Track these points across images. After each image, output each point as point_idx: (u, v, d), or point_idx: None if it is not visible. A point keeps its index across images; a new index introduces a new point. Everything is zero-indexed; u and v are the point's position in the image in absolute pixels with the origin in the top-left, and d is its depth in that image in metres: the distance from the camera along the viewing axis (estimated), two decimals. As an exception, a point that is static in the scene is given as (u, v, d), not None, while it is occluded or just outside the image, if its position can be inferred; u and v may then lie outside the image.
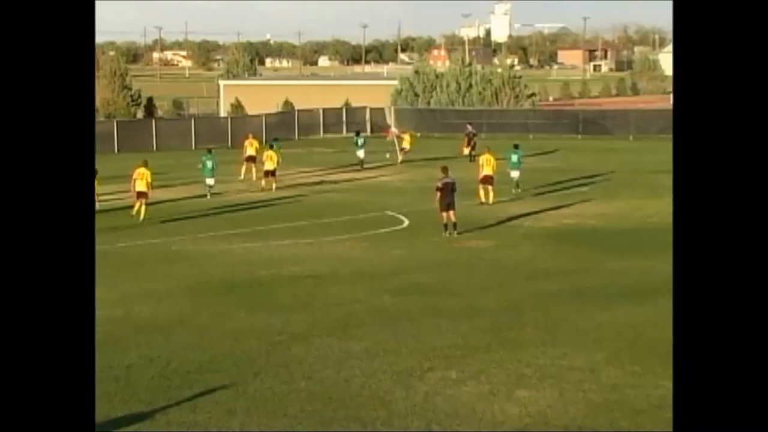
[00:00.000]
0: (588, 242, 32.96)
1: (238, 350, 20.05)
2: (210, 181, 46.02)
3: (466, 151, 60.28)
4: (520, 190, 45.42)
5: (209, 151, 47.58)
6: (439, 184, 33.97)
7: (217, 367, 18.78)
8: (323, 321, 22.48)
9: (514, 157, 45.94)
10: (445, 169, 34.89)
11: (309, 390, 17.32)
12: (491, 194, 40.89)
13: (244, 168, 51.73)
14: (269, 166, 47.20)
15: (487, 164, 40.99)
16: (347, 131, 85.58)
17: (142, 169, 38.69)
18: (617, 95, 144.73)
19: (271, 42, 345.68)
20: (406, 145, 61.34)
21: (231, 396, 16.98)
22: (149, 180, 38.55)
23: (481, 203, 40.44)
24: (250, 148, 52.64)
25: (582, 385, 17.43)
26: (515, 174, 45.83)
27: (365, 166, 57.70)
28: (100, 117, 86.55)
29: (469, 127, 64.81)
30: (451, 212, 34.03)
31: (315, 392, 17.18)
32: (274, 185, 47.18)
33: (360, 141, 58.76)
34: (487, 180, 40.88)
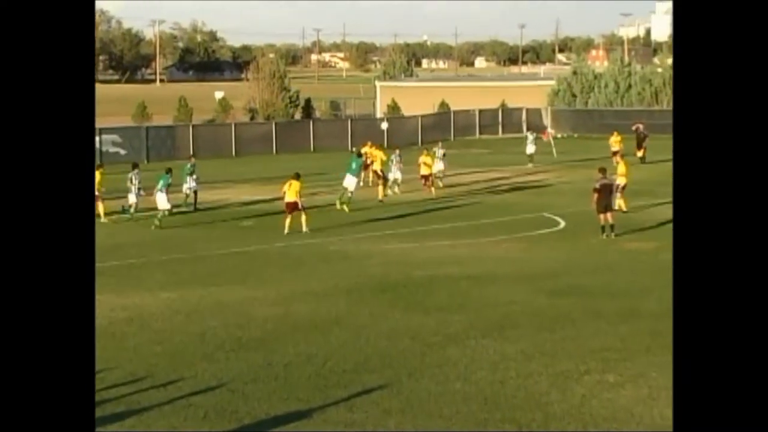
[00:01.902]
0: (751, 245, 32.28)
1: (393, 350, 20.15)
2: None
3: (640, 153, 58.39)
4: None
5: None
6: (597, 185, 33.66)
7: (373, 367, 18.90)
8: (479, 322, 22.45)
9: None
10: (602, 170, 34.55)
11: (464, 391, 17.32)
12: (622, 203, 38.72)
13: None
14: (425, 171, 46.88)
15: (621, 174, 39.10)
16: (503, 132, 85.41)
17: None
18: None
19: (428, 43, 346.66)
20: (616, 146, 57.83)
21: (387, 396, 17.07)
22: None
23: (624, 212, 38.32)
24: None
25: (745, 391, 17.06)
26: None
27: (534, 163, 57.81)
28: (259, 118, 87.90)
29: (641, 127, 62.05)
30: (609, 214, 33.67)
31: (470, 393, 17.17)
32: (432, 189, 46.79)
33: (531, 137, 59.78)
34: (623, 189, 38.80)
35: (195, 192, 43.07)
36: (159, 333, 21.93)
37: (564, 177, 53.40)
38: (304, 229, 35.10)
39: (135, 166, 41.71)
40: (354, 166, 42.92)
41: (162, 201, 38.02)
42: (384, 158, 42.36)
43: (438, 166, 48.42)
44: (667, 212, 38.59)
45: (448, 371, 18.54)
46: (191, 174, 42.99)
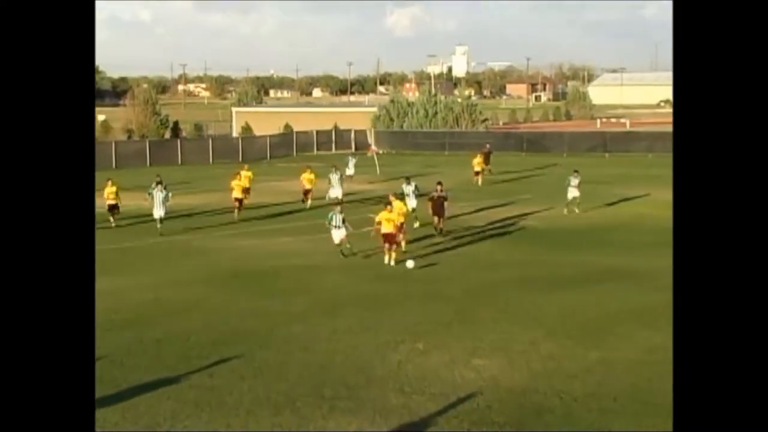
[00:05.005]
0: (531, 240, 32.97)
1: (246, 327, 20.00)
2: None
3: (478, 168, 54.16)
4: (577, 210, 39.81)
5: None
6: (435, 195, 33.45)
7: (229, 341, 18.72)
8: (316, 303, 22.42)
9: (575, 181, 40.17)
10: (440, 183, 34.39)
11: (304, 359, 17.29)
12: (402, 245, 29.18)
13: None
14: (308, 186, 44.10)
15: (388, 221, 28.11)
16: (336, 149, 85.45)
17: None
18: (554, 120, 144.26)
19: (274, 76, 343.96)
20: (478, 167, 53.41)
21: (241, 364, 16.94)
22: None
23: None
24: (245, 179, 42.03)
25: (525, 355, 17.44)
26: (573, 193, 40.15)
27: (353, 179, 56.68)
28: (135, 137, 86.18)
29: (488, 146, 60.26)
30: (440, 219, 33.41)
31: (309, 361, 17.15)
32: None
33: (352, 160, 56.95)
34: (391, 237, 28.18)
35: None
36: (49, 316, 21.29)
37: (385, 186, 53.53)
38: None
39: (159, 182, 36.76)
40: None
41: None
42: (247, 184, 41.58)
43: (335, 191, 43.92)
44: (465, 212, 39.05)
45: (291, 344, 18.49)
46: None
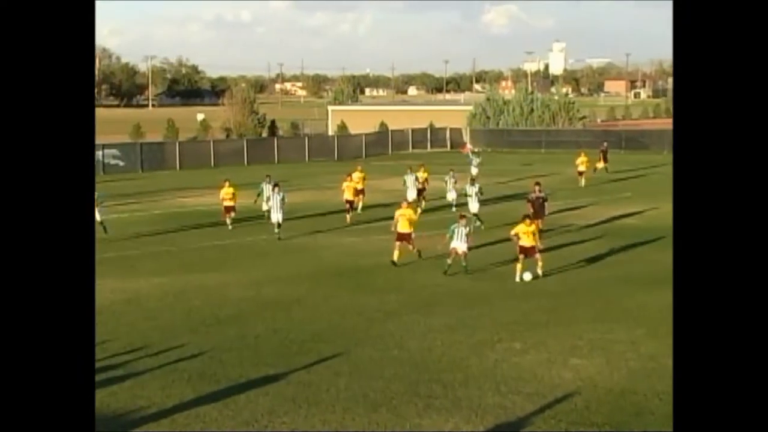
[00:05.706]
0: (632, 238, 32.51)
1: (343, 324, 20.14)
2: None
3: (600, 165, 55.64)
4: None
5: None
6: (533, 196, 33.15)
7: (327, 338, 18.88)
8: (412, 301, 22.48)
9: None
10: (538, 183, 34.04)
11: (400, 357, 17.35)
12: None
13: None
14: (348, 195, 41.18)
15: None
16: (431, 147, 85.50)
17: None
18: (654, 118, 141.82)
19: (370, 75, 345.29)
20: (582, 167, 51.73)
21: (338, 361, 17.07)
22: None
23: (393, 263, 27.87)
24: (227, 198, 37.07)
25: (625, 355, 17.23)
26: None
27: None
28: (233, 136, 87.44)
29: (605, 144, 60.11)
30: (539, 220, 33.04)
31: (404, 359, 17.20)
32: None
33: (476, 160, 54.29)
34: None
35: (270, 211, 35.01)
36: (152, 311, 21.76)
37: (480, 183, 53.23)
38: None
39: (275, 184, 35.60)
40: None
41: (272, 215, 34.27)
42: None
43: (451, 194, 42.10)
44: (558, 210, 38.69)
45: (387, 341, 18.56)
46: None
